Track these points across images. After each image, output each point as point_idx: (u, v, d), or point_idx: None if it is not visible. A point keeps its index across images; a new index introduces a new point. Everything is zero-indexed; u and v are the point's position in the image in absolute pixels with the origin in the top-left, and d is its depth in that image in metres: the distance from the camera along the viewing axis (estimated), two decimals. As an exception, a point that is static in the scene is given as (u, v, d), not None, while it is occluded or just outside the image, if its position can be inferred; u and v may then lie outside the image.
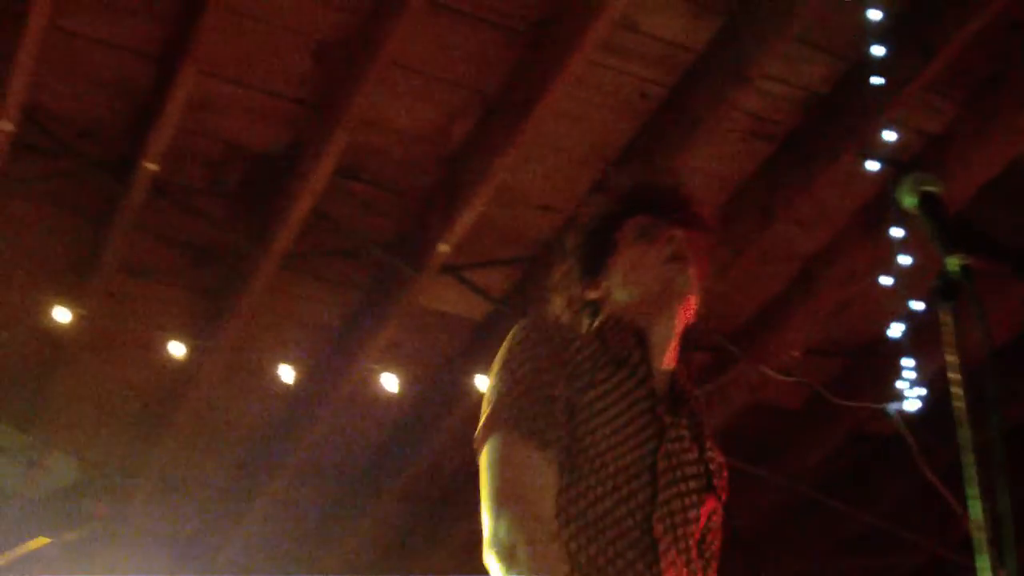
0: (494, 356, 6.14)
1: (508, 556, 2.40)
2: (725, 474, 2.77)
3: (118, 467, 6.62)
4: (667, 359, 2.77)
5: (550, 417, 2.57)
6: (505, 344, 2.70)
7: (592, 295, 2.89)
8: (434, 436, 6.64)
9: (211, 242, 5.83)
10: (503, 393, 2.62)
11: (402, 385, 6.11)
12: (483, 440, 2.60)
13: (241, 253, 5.76)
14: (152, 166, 5.34)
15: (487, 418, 2.62)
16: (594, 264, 2.91)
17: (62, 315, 5.83)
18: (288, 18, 5.05)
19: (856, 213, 5.89)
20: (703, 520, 2.67)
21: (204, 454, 6.93)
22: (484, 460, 2.57)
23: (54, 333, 5.94)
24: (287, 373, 6.12)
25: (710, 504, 2.68)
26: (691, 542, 2.61)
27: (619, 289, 2.84)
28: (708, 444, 2.73)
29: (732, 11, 5.06)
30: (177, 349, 5.99)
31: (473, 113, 5.37)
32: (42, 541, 1.81)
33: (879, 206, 5.69)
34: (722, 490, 2.73)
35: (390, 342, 6.12)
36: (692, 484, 2.64)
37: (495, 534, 2.43)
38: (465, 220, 5.50)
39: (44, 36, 4.96)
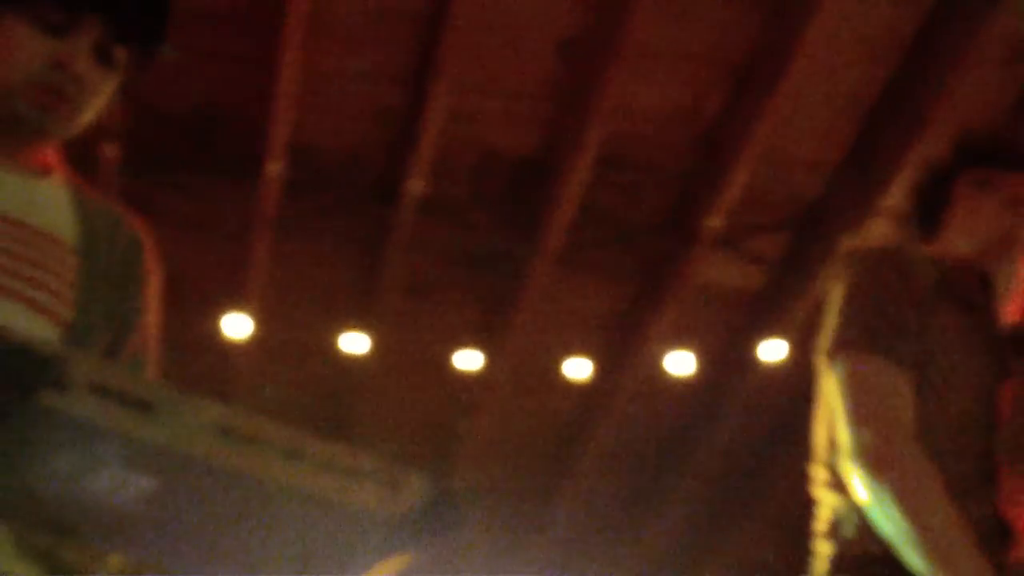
0: (778, 323, 6.11)
1: (877, 460, 2.39)
2: None
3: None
4: (1011, 310, 2.72)
5: (902, 337, 2.54)
6: (850, 269, 2.66)
7: (931, 251, 2.83)
8: (729, 412, 6.62)
9: (484, 250, 5.94)
10: (853, 313, 2.59)
11: (691, 364, 6.12)
12: (831, 359, 2.57)
13: (515, 257, 5.85)
14: (418, 185, 5.47)
15: (836, 337, 2.58)
16: (931, 219, 2.86)
17: (354, 343, 6.01)
18: (528, 22, 5.12)
19: None
20: None
21: (502, 458, 7.05)
22: (836, 379, 2.54)
23: (349, 361, 6.12)
24: (577, 368, 6.19)
25: None
26: None
27: (958, 242, 2.78)
28: None
29: (976, -64, 4.93)
30: (468, 359, 6.11)
31: (724, 84, 5.35)
32: (401, 561, 1.88)
33: None
34: None
35: (672, 323, 6.13)
36: None
37: (859, 443, 2.41)
38: (731, 191, 5.50)
39: (299, 77, 5.13)
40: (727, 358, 6.42)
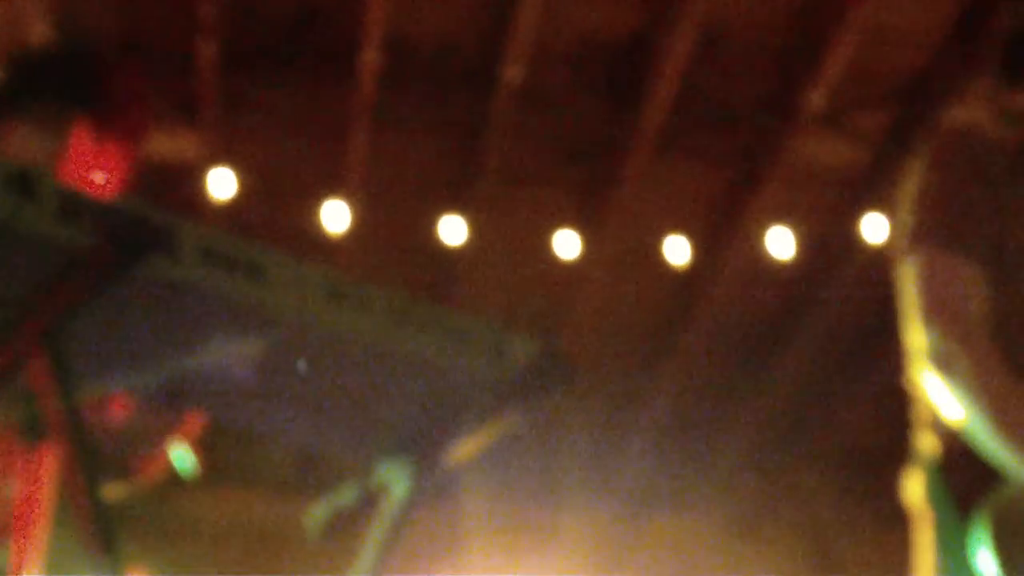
0: (882, 201, 6.02)
1: (946, 364, 2.40)
2: None
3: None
4: None
5: (972, 227, 2.50)
6: (922, 159, 2.62)
7: (1018, 100, 2.75)
8: (831, 293, 6.56)
9: (583, 137, 5.92)
10: (924, 207, 2.56)
11: (792, 245, 6.07)
12: (903, 257, 2.56)
13: (614, 142, 5.82)
14: (515, 72, 5.45)
15: (909, 233, 2.57)
16: (1018, 66, 2.76)
17: (451, 231, 6.03)
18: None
19: None
20: None
21: (603, 344, 7.04)
22: (908, 276, 2.54)
23: (446, 250, 6.14)
24: (677, 251, 6.16)
25: None
26: None
27: None
28: None
29: None
30: (567, 245, 6.10)
31: (823, -45, 5.26)
32: (508, 422, 1.91)
33: None
34: None
35: (775, 203, 6.08)
36: None
37: (929, 346, 2.42)
38: (833, 66, 5.42)
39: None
40: (830, 238, 6.35)
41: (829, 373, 7.29)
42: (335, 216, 5.99)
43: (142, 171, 5.79)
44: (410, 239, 6.22)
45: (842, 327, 6.92)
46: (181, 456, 2.48)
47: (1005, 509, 2.32)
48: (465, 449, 2.11)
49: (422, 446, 2.10)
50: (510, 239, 6.29)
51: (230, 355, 1.97)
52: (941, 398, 2.41)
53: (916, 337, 2.46)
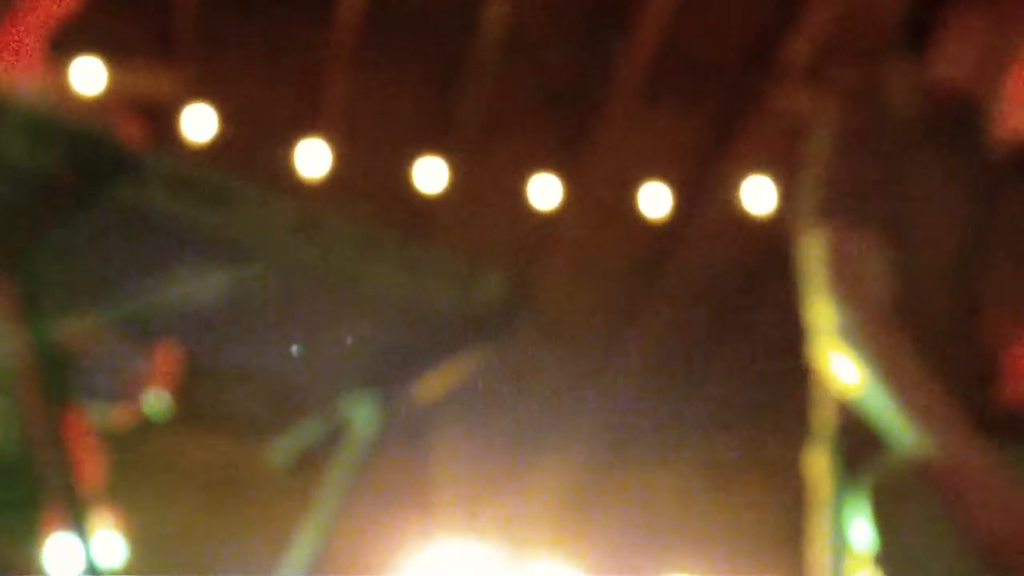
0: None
1: (850, 336, 2.43)
2: None
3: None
4: (1010, 128, 2.63)
5: (875, 202, 2.52)
6: (819, 136, 2.63)
7: (920, 69, 2.74)
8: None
9: (564, 84, 5.90)
10: (827, 182, 2.57)
11: (774, 197, 6.07)
12: (808, 230, 2.58)
13: (595, 90, 5.80)
14: (498, 15, 5.43)
15: (813, 207, 2.58)
16: (920, 36, 2.76)
17: (430, 175, 6.01)
18: None
19: None
20: None
21: (581, 292, 7.04)
22: (810, 250, 2.56)
23: (425, 194, 6.12)
24: (656, 200, 6.15)
25: None
26: None
27: (949, 59, 2.69)
28: None
29: None
30: (546, 192, 6.09)
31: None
32: (473, 358, 1.91)
33: None
34: None
35: (755, 155, 6.06)
36: None
37: (831, 320, 2.45)
38: (815, 19, 5.40)
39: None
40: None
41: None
42: (312, 158, 5.97)
43: (117, 107, 5.78)
44: (388, 183, 6.20)
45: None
46: (154, 397, 2.44)
47: (886, 479, 2.36)
48: (433, 385, 2.09)
49: (389, 380, 2.09)
50: (489, 184, 6.27)
51: (196, 286, 1.94)
52: (843, 372, 2.44)
53: (819, 311, 2.48)
